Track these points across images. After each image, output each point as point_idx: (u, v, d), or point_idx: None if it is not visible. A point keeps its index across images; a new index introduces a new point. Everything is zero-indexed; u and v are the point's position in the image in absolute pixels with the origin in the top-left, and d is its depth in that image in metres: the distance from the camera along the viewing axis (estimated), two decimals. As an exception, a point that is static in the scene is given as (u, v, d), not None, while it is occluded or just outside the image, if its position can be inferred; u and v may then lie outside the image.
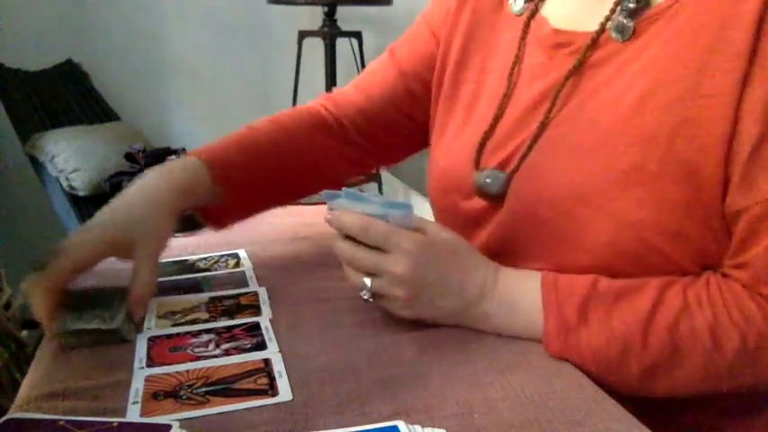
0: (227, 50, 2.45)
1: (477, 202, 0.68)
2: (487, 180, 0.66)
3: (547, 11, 0.69)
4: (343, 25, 2.26)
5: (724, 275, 0.58)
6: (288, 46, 2.35)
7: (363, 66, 2.29)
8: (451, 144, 0.74)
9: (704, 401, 0.62)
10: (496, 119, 0.68)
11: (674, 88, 0.56)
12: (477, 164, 0.68)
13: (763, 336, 0.54)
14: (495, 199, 0.66)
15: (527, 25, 0.69)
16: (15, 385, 0.58)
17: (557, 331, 0.57)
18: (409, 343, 0.60)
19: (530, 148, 0.63)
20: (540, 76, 0.66)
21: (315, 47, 2.31)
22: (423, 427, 0.47)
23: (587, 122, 0.60)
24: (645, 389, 0.57)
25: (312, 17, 2.41)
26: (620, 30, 0.60)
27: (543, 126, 0.63)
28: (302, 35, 2.28)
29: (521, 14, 0.70)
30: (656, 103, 0.56)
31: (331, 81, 2.25)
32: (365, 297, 0.62)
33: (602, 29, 0.61)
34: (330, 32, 2.22)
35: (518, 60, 0.68)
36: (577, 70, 0.62)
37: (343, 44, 2.29)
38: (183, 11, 2.38)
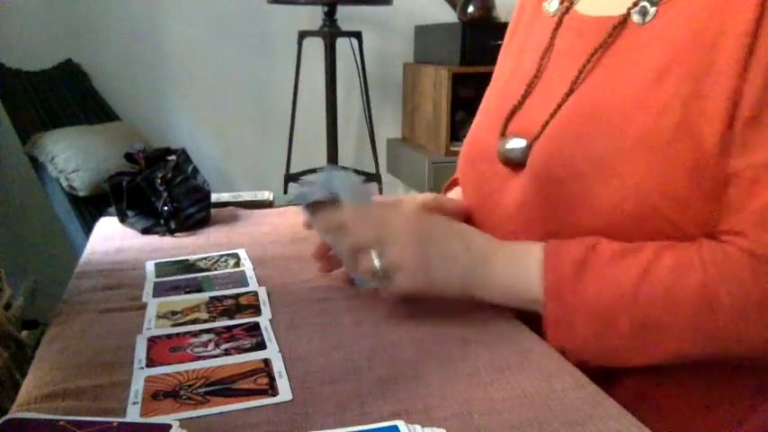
0: (227, 50, 2.45)
1: (501, 169, 0.72)
2: (510, 147, 0.70)
3: (579, 6, 0.73)
4: (343, 25, 2.26)
5: (719, 242, 0.59)
6: (288, 46, 2.34)
7: (363, 66, 2.29)
8: (482, 118, 0.80)
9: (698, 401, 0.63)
10: (524, 96, 0.73)
11: (689, 65, 0.59)
12: (502, 133, 0.73)
13: (752, 296, 0.56)
14: (518, 166, 0.70)
15: (560, 20, 0.73)
16: (15, 385, 0.58)
17: (554, 288, 0.60)
18: (409, 343, 0.60)
19: (552, 116, 0.67)
20: (567, 57, 0.70)
21: (315, 47, 2.30)
22: (423, 427, 0.47)
23: (608, 95, 0.64)
24: (637, 352, 0.58)
25: (312, 17, 2.40)
26: (643, 13, 0.64)
27: (566, 97, 0.67)
28: (302, 35, 2.28)
29: (555, 15, 0.74)
30: (673, 77, 0.60)
31: (331, 81, 2.25)
32: (375, 277, 0.63)
33: (629, 13, 0.65)
34: (330, 32, 2.21)
35: (550, 47, 0.73)
36: (602, 49, 0.66)
37: (343, 44, 2.29)
38: (183, 11, 2.38)
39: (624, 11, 0.65)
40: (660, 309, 0.57)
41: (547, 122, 0.67)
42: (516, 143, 0.70)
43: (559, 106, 0.67)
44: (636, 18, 0.64)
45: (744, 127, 0.57)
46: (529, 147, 0.68)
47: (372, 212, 0.64)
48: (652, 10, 0.63)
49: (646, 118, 0.60)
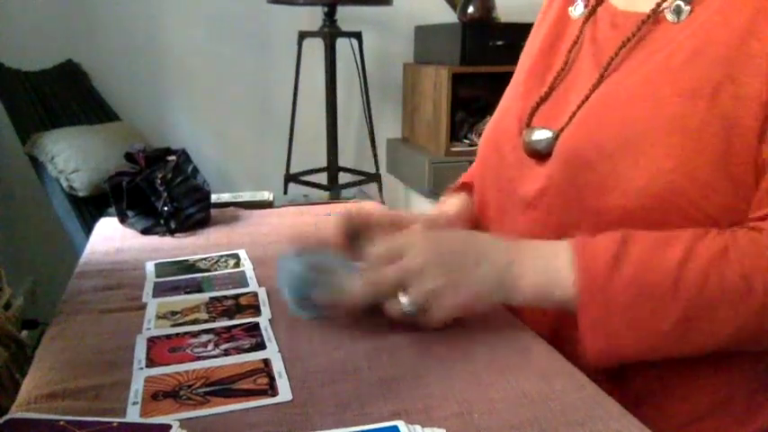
0: (227, 50, 2.44)
1: (525, 158, 0.72)
2: (536, 138, 0.70)
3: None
4: (343, 25, 2.25)
5: (751, 229, 0.59)
6: (288, 46, 2.34)
7: (363, 66, 2.28)
8: (505, 108, 0.80)
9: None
10: (551, 87, 0.73)
11: (722, 48, 0.59)
12: (528, 123, 0.72)
13: None
14: (543, 156, 0.69)
15: (593, 10, 0.72)
16: (15, 385, 0.58)
17: (588, 292, 0.58)
18: (409, 343, 0.60)
19: (580, 107, 0.67)
20: (598, 48, 0.70)
21: (315, 47, 2.30)
22: (423, 427, 0.47)
23: (638, 81, 0.63)
24: (676, 346, 0.58)
25: (312, 17, 2.40)
26: (677, 11, 0.64)
27: (595, 87, 0.67)
28: (302, 35, 2.27)
29: (579, 18, 0.74)
30: (704, 60, 0.60)
31: (331, 81, 2.25)
32: (407, 310, 0.61)
33: (659, 8, 0.65)
34: (330, 33, 2.21)
35: (578, 41, 0.72)
36: (634, 41, 0.65)
37: (343, 44, 2.29)
38: (183, 11, 2.38)
39: (654, 6, 0.65)
40: (701, 305, 0.56)
41: (575, 113, 0.67)
42: (542, 134, 0.69)
43: (589, 95, 0.67)
44: (670, 17, 0.64)
45: None
46: (555, 137, 0.68)
47: (388, 250, 0.62)
48: (686, 9, 0.63)
49: (677, 101, 0.60)
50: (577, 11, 0.75)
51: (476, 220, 0.83)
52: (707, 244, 0.57)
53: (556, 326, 0.67)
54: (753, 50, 0.58)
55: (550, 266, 0.61)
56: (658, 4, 0.65)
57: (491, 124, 0.81)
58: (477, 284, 0.61)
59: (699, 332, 0.57)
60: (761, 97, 0.57)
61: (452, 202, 0.87)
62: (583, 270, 0.59)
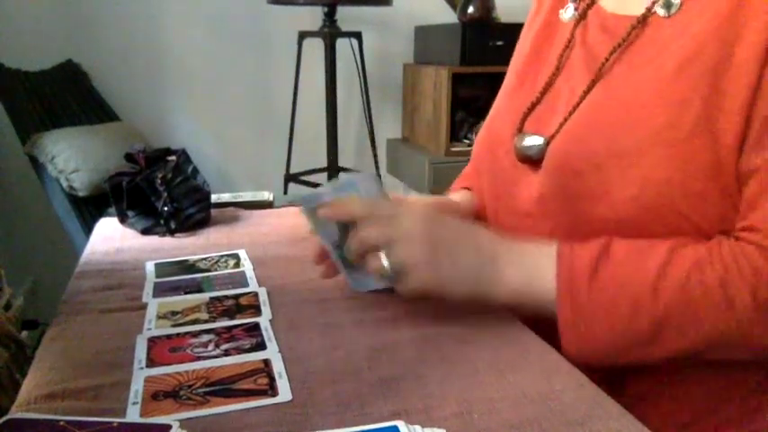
0: (227, 51, 2.45)
1: (518, 164, 0.72)
2: (528, 144, 0.70)
3: (603, 2, 0.72)
4: (343, 25, 2.26)
5: (736, 239, 0.59)
6: (288, 46, 2.34)
7: (363, 66, 2.28)
8: (498, 111, 0.80)
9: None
10: (543, 92, 0.73)
11: (710, 60, 0.59)
12: (519, 129, 0.72)
13: None
14: (534, 162, 0.70)
15: (584, 13, 0.72)
16: (15, 386, 0.58)
17: (568, 288, 0.59)
18: (409, 343, 0.60)
19: (571, 113, 0.67)
20: (589, 52, 0.70)
21: (315, 47, 2.30)
22: (423, 427, 0.47)
23: (630, 88, 0.63)
24: (653, 350, 0.58)
25: (312, 17, 2.40)
26: (667, 6, 0.63)
27: (585, 94, 0.67)
28: (302, 35, 2.27)
29: (570, 21, 0.74)
30: (694, 70, 0.59)
31: (331, 81, 2.25)
32: (384, 277, 0.63)
33: (649, 10, 0.64)
34: (330, 33, 2.21)
35: (570, 44, 0.72)
36: (623, 47, 0.65)
37: (343, 44, 2.29)
38: (183, 11, 2.38)
39: (648, 8, 0.64)
40: (679, 307, 0.56)
41: (566, 119, 0.67)
42: (533, 141, 0.69)
43: (579, 102, 0.67)
44: (661, 11, 0.64)
45: (762, 123, 0.56)
46: (546, 144, 0.68)
47: (382, 210, 0.63)
48: (676, 2, 0.63)
49: (665, 111, 0.59)
50: (568, 14, 0.75)
51: (476, 216, 0.83)
52: (688, 252, 0.58)
53: (554, 324, 0.67)
54: (738, 63, 0.57)
55: (533, 268, 0.62)
56: (648, 9, 0.64)
57: (485, 127, 0.81)
58: (458, 269, 0.62)
59: (676, 338, 0.57)
60: (744, 107, 0.57)
61: (457, 195, 0.87)
62: (562, 276, 0.60)
